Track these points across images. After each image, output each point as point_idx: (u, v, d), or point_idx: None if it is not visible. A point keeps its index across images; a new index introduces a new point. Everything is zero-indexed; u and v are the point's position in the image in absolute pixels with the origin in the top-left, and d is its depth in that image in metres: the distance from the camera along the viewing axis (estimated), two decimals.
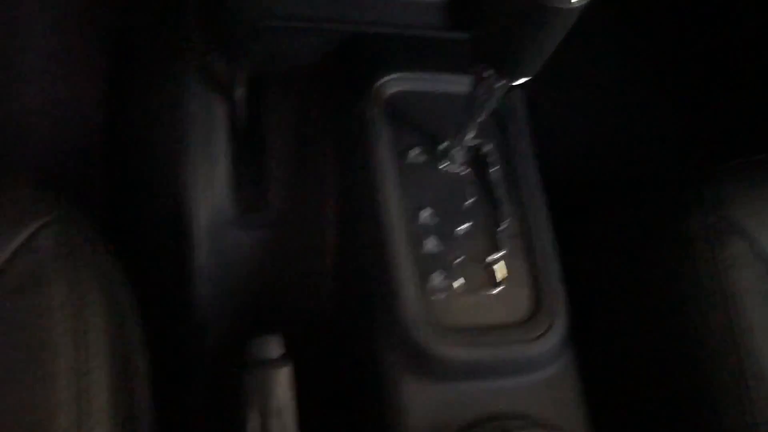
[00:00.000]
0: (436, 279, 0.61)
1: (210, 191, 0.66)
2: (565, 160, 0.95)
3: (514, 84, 0.57)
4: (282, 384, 0.57)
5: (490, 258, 0.63)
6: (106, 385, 0.49)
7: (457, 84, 0.68)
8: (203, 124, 0.66)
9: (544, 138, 0.71)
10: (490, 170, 0.67)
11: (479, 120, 0.62)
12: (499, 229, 0.64)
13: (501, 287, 0.62)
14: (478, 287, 0.62)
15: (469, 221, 0.64)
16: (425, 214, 0.63)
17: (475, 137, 0.66)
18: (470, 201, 0.65)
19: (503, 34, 0.51)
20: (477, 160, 0.67)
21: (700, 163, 0.68)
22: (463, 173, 0.66)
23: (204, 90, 0.67)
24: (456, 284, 0.61)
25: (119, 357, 0.52)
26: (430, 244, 0.62)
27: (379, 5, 0.74)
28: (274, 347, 0.59)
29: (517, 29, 0.49)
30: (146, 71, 0.77)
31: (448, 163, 0.66)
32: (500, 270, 0.63)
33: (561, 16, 0.47)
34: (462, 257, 0.62)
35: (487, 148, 0.67)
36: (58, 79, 0.86)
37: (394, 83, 0.67)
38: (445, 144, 0.66)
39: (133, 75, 0.81)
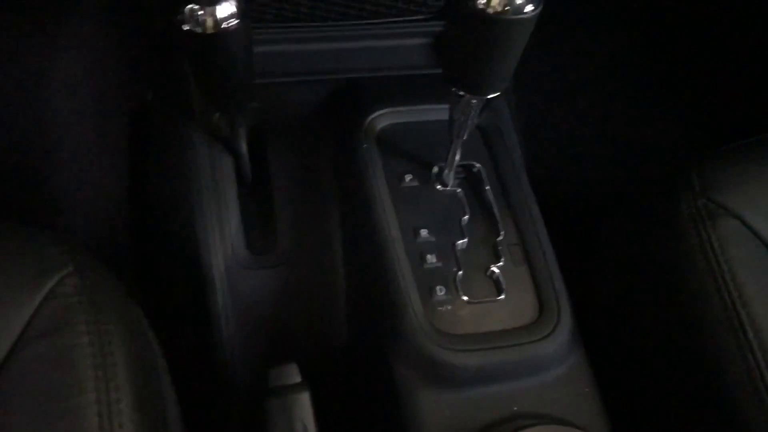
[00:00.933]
0: (441, 292, 0.63)
1: (223, 237, 0.71)
2: (559, 162, 0.98)
3: (488, 99, 0.61)
4: (302, 406, 0.60)
5: (491, 268, 0.65)
6: (133, 417, 0.52)
7: (441, 112, 0.72)
8: (212, 177, 0.72)
9: (537, 143, 0.73)
10: (483, 187, 0.70)
11: (463, 139, 0.65)
12: (497, 240, 0.67)
13: (504, 294, 0.64)
14: (483, 296, 0.64)
15: (467, 236, 0.67)
16: (424, 233, 0.66)
17: (464, 158, 0.69)
18: (466, 217, 0.68)
19: (464, 55, 0.55)
20: (469, 179, 0.71)
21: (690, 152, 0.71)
22: (457, 192, 0.69)
23: (210, 146, 0.73)
24: (460, 295, 0.63)
25: (146, 390, 0.55)
26: (432, 261, 0.65)
27: (370, 53, 0.80)
28: (291, 374, 0.62)
29: (473, 47, 0.53)
30: (160, 139, 0.84)
31: (442, 185, 0.70)
32: (502, 278, 0.65)
33: (508, 28, 0.51)
34: (464, 270, 0.65)
35: (477, 166, 0.71)
36: (86, 158, 0.96)
37: (384, 117, 0.72)
38: (437, 167, 0.70)
39: (150, 144, 0.88)
